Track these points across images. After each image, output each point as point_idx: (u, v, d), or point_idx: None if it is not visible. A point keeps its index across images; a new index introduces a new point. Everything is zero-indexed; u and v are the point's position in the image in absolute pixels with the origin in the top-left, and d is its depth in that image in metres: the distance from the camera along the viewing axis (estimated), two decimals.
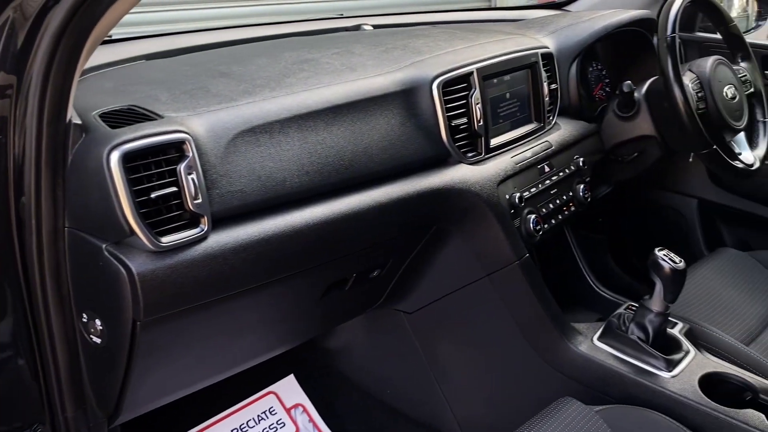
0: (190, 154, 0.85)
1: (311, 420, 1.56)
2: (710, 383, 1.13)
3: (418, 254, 1.25)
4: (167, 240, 0.83)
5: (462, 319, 1.35)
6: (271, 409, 1.55)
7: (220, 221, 0.90)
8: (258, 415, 1.52)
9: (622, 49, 1.69)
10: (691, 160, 1.77)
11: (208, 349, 1.05)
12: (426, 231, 1.19)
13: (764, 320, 1.41)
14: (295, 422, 1.54)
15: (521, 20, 1.78)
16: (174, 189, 0.83)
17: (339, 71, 1.10)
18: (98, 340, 0.92)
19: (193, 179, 0.85)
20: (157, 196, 0.82)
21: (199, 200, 0.86)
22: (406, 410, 1.52)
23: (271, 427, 1.52)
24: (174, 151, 0.85)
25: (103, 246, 0.84)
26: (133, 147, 0.81)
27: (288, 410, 1.56)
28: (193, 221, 0.86)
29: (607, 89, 1.66)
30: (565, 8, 1.99)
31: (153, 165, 0.83)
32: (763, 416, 1.05)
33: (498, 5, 5.18)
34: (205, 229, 0.87)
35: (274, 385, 1.59)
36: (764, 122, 1.54)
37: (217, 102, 0.94)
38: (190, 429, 1.47)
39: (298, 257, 0.99)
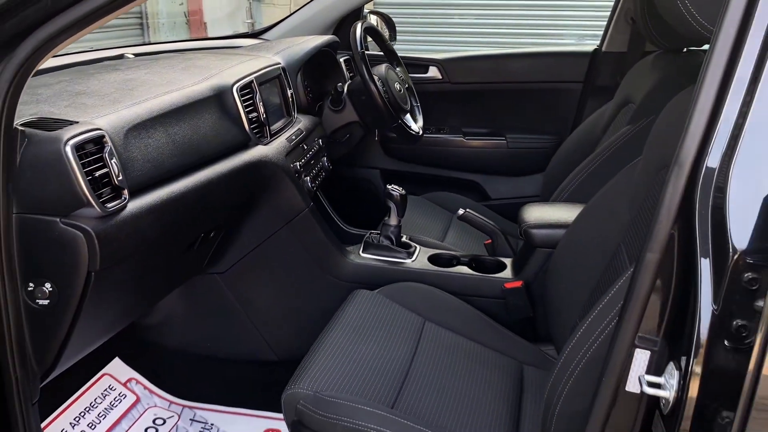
0: (109, 145, 1.17)
1: (146, 388, 1.82)
2: (434, 260, 1.82)
3: (233, 220, 1.67)
4: (110, 205, 1.14)
5: (267, 265, 1.81)
6: (110, 386, 1.76)
7: (133, 193, 1.22)
8: (101, 394, 1.73)
9: (314, 61, 2.30)
10: (377, 138, 2.50)
11: (126, 296, 1.33)
12: (246, 198, 1.63)
13: (444, 230, 2.19)
14: (134, 392, 1.79)
15: (242, 45, 2.28)
16: (105, 170, 1.15)
17: (165, 84, 1.46)
18: (45, 302, 1.15)
19: (114, 162, 1.17)
20: (100, 174, 1.13)
21: (121, 177, 1.18)
22: (228, 355, 1.90)
23: (116, 399, 1.74)
24: (93, 144, 1.15)
25: (58, 220, 1.10)
26: (78, 140, 1.10)
27: (124, 384, 1.79)
28: (117, 194, 1.18)
29: (310, 95, 2.26)
30: (261, 37, 2.55)
31: (87, 154, 1.13)
32: (466, 267, 1.77)
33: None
34: (127, 198, 1.19)
35: (104, 369, 1.80)
36: (417, 106, 2.33)
37: (101, 109, 1.25)
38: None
39: (182, 216, 1.35)
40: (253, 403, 1.81)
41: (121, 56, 1.89)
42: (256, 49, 2.08)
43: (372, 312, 1.57)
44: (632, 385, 0.87)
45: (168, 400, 1.81)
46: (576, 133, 2.25)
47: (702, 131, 0.78)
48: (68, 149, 1.08)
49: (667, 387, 0.82)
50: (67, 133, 1.10)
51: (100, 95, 1.33)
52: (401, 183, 2.71)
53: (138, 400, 1.78)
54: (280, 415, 1.74)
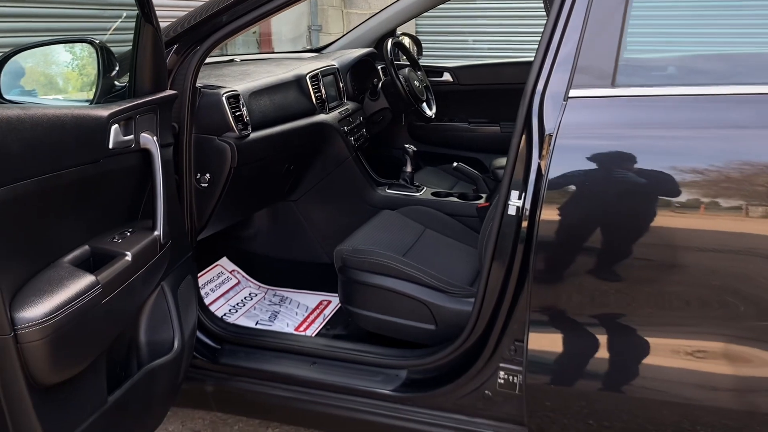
0: (242, 99, 2.12)
1: (244, 276, 2.75)
2: (435, 194, 2.71)
3: (304, 160, 2.61)
4: (243, 132, 2.08)
5: (325, 195, 2.73)
6: (221, 272, 2.70)
7: (252, 129, 2.16)
8: (216, 275, 2.67)
9: (358, 66, 3.23)
10: (403, 123, 3.43)
11: (247, 192, 2.27)
12: (312, 146, 2.57)
13: (450, 187, 3.08)
14: (236, 278, 2.72)
15: (307, 56, 3.25)
16: (240, 113, 2.09)
17: (267, 72, 2.42)
18: (205, 185, 2.09)
19: (245, 109, 2.12)
20: (238, 114, 2.07)
21: (248, 117, 2.13)
22: (295, 257, 2.82)
23: (224, 281, 2.68)
24: (233, 99, 2.10)
25: (215, 138, 2.05)
26: (228, 95, 2.06)
27: (230, 272, 2.73)
28: (245, 127, 2.12)
29: (355, 89, 3.19)
30: (321, 51, 3.51)
31: (230, 103, 2.07)
32: (456, 198, 2.66)
33: None
34: (251, 131, 2.13)
35: (217, 262, 2.75)
36: (432, 99, 3.25)
37: (235, 82, 2.20)
38: None
39: (275, 148, 2.29)
40: (312, 287, 2.72)
41: (231, 60, 2.87)
42: (319, 58, 3.04)
43: (391, 221, 2.47)
44: (511, 210, 1.74)
45: (257, 284, 2.73)
46: None
47: (534, 78, 1.66)
48: (224, 99, 2.04)
49: (521, 202, 1.69)
50: (222, 90, 2.05)
51: (231, 76, 2.30)
52: (422, 159, 3.65)
53: (238, 282, 2.71)
54: (330, 294, 2.65)
